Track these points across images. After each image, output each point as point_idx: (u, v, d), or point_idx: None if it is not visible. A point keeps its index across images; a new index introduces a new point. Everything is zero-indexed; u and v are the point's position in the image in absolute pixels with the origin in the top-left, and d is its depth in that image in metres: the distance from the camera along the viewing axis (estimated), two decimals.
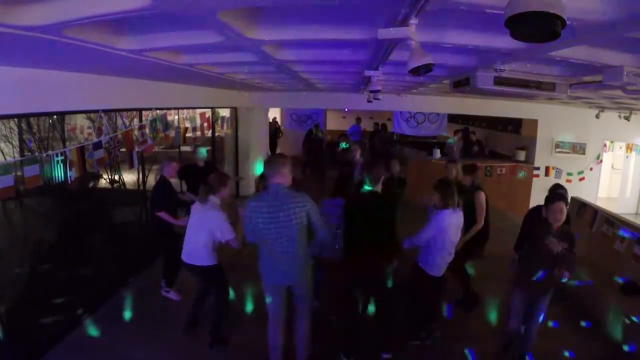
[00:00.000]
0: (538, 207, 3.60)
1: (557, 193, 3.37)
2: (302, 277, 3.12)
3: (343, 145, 10.80)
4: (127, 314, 4.21)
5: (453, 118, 11.46)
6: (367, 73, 3.56)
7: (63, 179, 3.73)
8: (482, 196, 4.21)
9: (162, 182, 4.56)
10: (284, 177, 2.93)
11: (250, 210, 2.96)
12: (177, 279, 4.60)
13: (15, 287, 5.02)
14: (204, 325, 4.02)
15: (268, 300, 3.17)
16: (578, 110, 8.68)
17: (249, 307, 4.36)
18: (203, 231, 3.49)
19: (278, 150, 13.47)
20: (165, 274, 4.63)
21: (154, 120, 5.54)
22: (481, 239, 4.30)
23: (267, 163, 3.00)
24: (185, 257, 3.66)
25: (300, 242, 2.98)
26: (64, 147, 6.47)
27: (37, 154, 7.03)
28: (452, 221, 3.45)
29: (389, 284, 3.49)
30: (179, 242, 3.87)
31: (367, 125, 13.64)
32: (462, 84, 3.56)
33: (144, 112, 5.83)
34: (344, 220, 3.55)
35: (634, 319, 3.69)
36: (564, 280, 3.19)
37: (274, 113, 13.65)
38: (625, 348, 3.62)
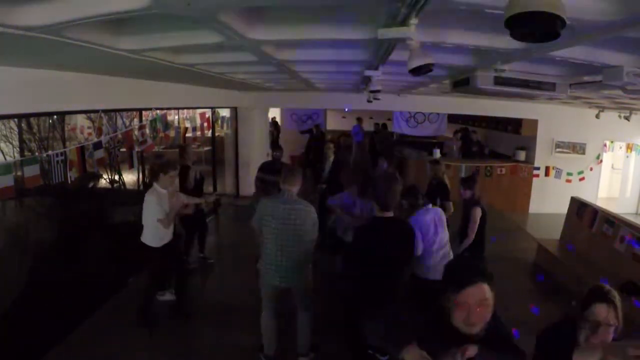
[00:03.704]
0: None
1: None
2: (301, 282, 3.28)
3: None
4: (127, 314, 4.21)
5: (453, 118, 11.45)
6: (367, 73, 3.56)
7: (63, 179, 3.74)
8: (477, 212, 4.12)
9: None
10: (295, 185, 3.22)
11: (261, 208, 3.21)
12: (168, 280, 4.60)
13: (16, 287, 5.03)
14: (201, 323, 4.04)
15: (263, 288, 3.33)
16: (578, 110, 8.67)
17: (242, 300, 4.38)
18: (144, 213, 3.84)
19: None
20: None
21: (154, 120, 5.55)
22: (475, 252, 4.17)
23: (287, 172, 3.27)
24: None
25: (304, 246, 3.19)
26: (64, 147, 6.48)
27: (37, 154, 7.04)
28: (426, 221, 3.44)
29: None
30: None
31: (367, 126, 13.63)
32: (462, 84, 3.55)
33: (144, 112, 5.83)
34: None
35: None
36: None
37: (274, 113, 13.64)
38: None
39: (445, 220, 3.63)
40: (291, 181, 3.19)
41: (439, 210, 3.65)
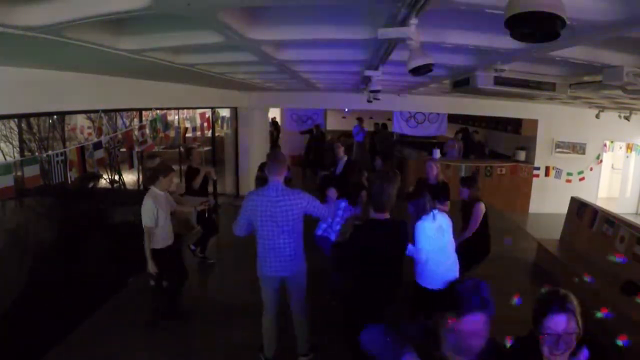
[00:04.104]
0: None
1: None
2: (297, 270, 3.25)
3: None
4: (127, 314, 4.21)
5: (453, 118, 11.45)
6: (367, 73, 3.56)
7: (63, 179, 3.74)
8: (480, 208, 4.10)
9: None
10: (282, 174, 3.13)
11: (250, 203, 3.12)
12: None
13: (16, 287, 5.03)
14: (200, 323, 4.03)
15: (263, 290, 3.29)
16: (578, 110, 8.67)
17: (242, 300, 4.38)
18: (144, 217, 3.77)
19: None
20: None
21: (154, 120, 5.55)
22: (480, 254, 4.21)
23: (271, 160, 3.18)
24: None
25: (296, 235, 3.15)
26: (64, 147, 6.48)
27: (37, 154, 7.04)
28: (433, 228, 3.31)
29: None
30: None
31: (367, 126, 13.62)
32: (462, 84, 3.55)
33: (144, 112, 5.83)
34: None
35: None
36: None
37: (274, 113, 13.65)
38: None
39: (451, 226, 3.50)
40: (276, 170, 3.08)
41: (446, 216, 3.50)
